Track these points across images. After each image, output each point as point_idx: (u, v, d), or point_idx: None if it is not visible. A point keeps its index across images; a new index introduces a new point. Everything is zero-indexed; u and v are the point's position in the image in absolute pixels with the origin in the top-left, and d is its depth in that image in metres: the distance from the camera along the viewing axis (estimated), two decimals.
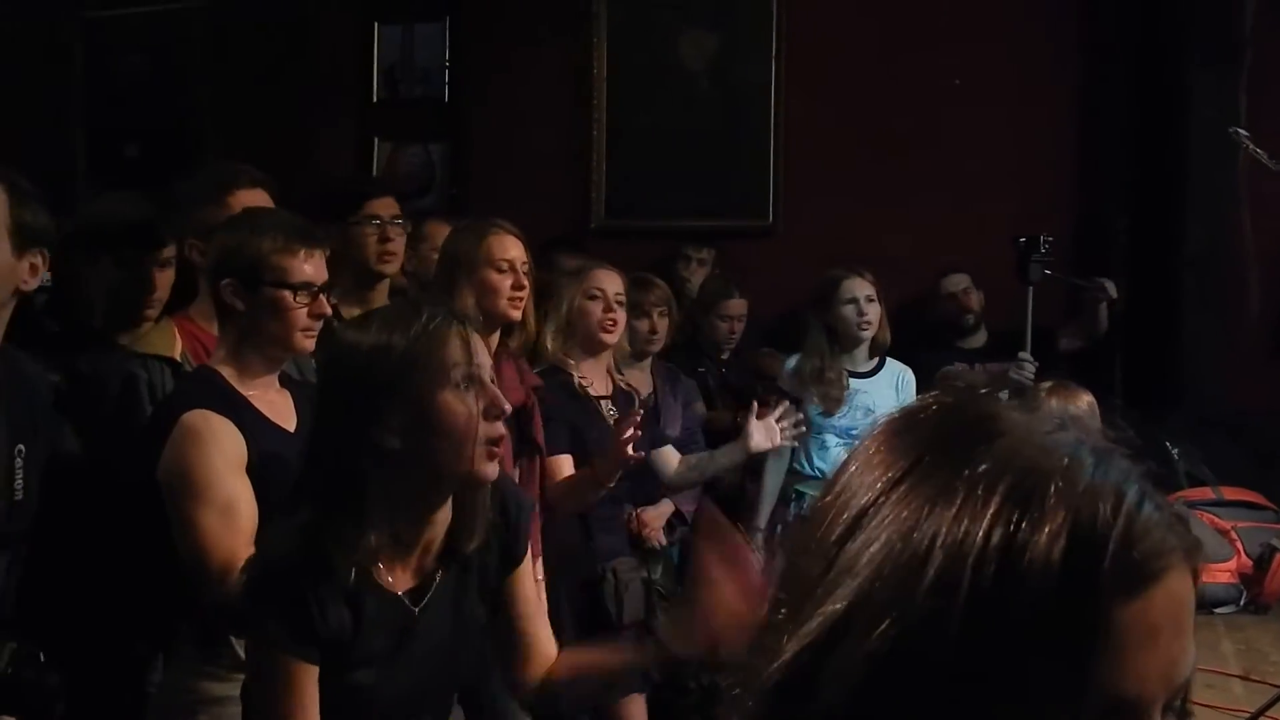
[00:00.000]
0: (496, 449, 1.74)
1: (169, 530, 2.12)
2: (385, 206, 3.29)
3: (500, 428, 1.75)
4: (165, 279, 2.84)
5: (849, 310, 3.96)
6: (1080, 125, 4.92)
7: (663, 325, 4.09)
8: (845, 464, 0.72)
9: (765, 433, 3.43)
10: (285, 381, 2.30)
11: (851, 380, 3.99)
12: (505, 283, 2.91)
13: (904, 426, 0.71)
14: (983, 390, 0.72)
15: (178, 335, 2.45)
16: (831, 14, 5.15)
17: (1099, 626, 0.63)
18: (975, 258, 4.75)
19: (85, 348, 2.79)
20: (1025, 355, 4.16)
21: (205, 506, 2.06)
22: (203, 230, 2.53)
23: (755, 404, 3.48)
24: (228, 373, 2.20)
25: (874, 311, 3.97)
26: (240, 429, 2.12)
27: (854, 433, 4.07)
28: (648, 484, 3.55)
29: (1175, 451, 4.26)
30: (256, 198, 2.63)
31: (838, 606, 0.66)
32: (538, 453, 3.10)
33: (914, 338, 4.54)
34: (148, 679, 2.43)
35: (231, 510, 2.07)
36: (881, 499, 0.67)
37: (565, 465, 3.24)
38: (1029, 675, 0.62)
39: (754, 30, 5.25)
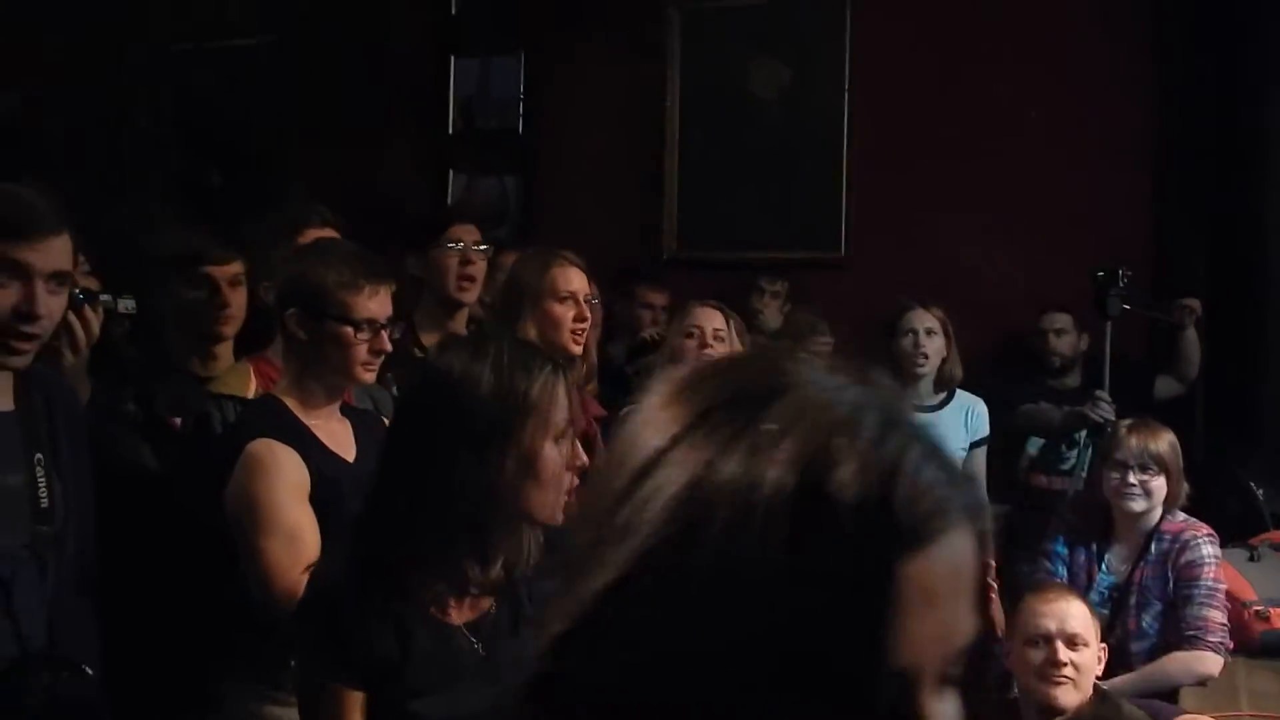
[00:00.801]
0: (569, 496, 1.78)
1: (234, 556, 2.15)
2: (468, 233, 3.37)
3: (575, 478, 1.78)
4: (238, 297, 2.90)
5: (906, 342, 3.91)
6: (1159, 157, 4.81)
7: None
8: (624, 423, 0.68)
9: None
10: (345, 410, 2.33)
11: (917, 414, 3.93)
12: (568, 314, 2.92)
13: (690, 383, 0.67)
14: (774, 349, 0.71)
15: (253, 376, 2.49)
16: (905, 44, 5.12)
17: (886, 585, 0.60)
18: (1052, 291, 4.66)
19: (162, 377, 2.86)
20: (1101, 393, 4.07)
21: (270, 534, 2.09)
22: (275, 271, 2.58)
23: None
24: (291, 401, 2.23)
25: (934, 345, 3.91)
26: (303, 457, 2.15)
27: None
28: None
29: (1260, 492, 4.14)
30: (326, 235, 2.67)
31: (610, 576, 0.62)
32: None
33: (1005, 373, 4.48)
34: (211, 702, 2.46)
35: (295, 538, 2.09)
36: (662, 456, 0.63)
37: None
38: (818, 639, 0.59)
39: (826, 60, 5.23)
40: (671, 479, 0.62)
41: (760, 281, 5.09)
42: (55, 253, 1.90)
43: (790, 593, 0.59)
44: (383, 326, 2.25)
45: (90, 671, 1.99)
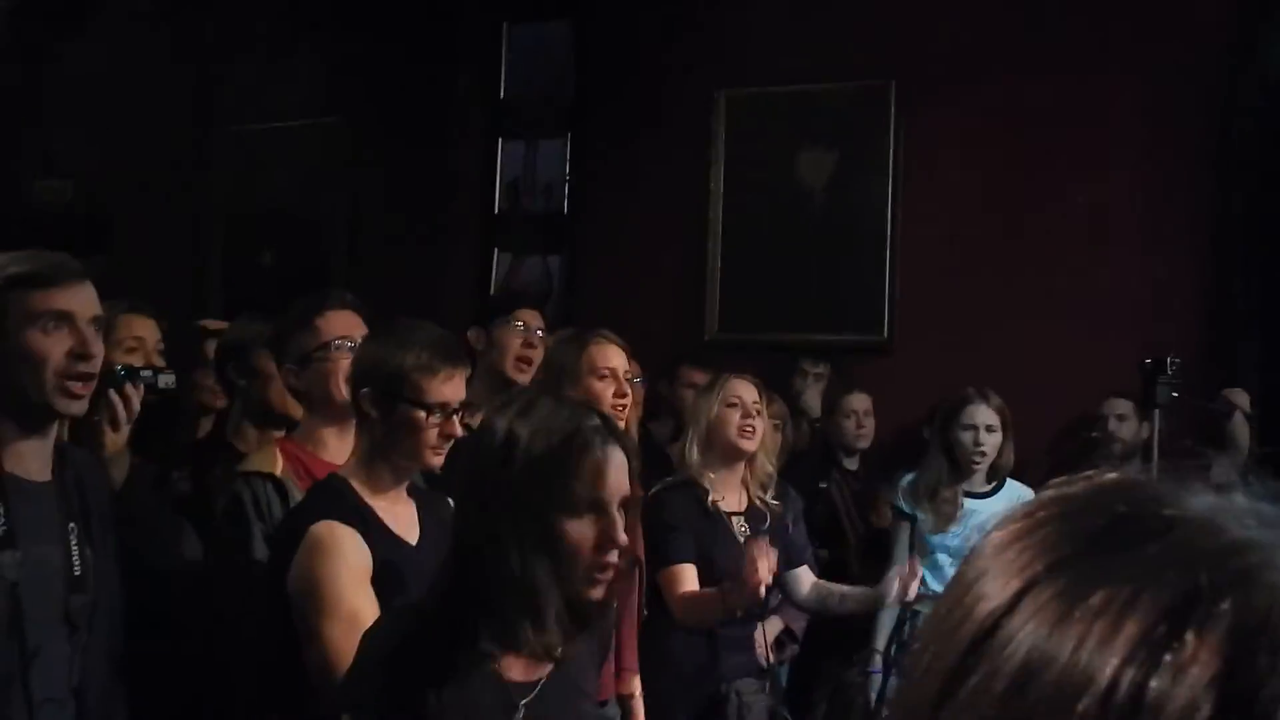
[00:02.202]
0: (604, 576, 1.75)
1: (287, 638, 2.15)
2: (533, 317, 3.47)
3: (613, 556, 1.75)
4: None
5: (966, 437, 3.91)
6: (1209, 246, 4.80)
7: (778, 440, 4.08)
8: (970, 561, 0.54)
9: (902, 589, 3.37)
10: (412, 490, 2.33)
11: (967, 500, 3.93)
12: (607, 391, 2.92)
13: (1035, 519, 0.52)
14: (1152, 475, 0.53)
15: (279, 455, 2.49)
16: (950, 131, 5.16)
17: None
18: (1105, 379, 4.61)
19: (217, 452, 2.89)
20: None
21: (331, 619, 2.08)
22: (296, 355, 2.58)
23: (897, 566, 3.48)
24: (357, 482, 2.23)
25: (992, 441, 3.90)
26: (366, 540, 2.15)
27: (966, 552, 3.98)
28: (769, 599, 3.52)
29: None
30: (346, 319, 2.63)
31: None
32: (636, 564, 3.08)
33: (1065, 462, 4.43)
34: None
35: (355, 623, 2.07)
36: (998, 622, 0.49)
37: (688, 575, 3.21)
38: None
39: (871, 147, 5.28)
40: (1007, 654, 0.48)
41: (802, 364, 5.10)
42: (90, 298, 2.05)
43: None
44: (454, 411, 2.25)
45: None
